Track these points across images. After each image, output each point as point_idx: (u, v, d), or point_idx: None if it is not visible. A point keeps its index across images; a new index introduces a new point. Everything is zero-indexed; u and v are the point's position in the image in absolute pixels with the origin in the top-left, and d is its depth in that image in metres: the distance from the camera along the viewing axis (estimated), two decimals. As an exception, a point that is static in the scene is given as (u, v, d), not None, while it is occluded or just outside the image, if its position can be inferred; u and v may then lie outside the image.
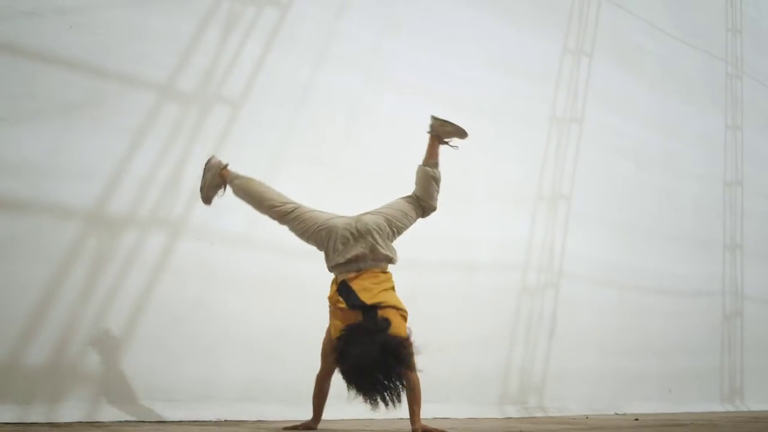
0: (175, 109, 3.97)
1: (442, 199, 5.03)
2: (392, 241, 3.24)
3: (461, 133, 3.36)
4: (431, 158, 3.37)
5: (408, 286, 4.74)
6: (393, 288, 3.14)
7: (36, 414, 3.17)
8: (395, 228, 3.25)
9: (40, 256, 3.37)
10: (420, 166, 3.39)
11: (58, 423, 3.16)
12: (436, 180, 3.34)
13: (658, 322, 6.37)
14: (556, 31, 6.16)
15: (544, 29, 6.04)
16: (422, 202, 3.36)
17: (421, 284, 4.82)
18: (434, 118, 3.38)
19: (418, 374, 2.98)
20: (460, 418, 4.58)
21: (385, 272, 3.15)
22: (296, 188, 4.30)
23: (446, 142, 3.39)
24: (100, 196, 3.62)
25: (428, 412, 4.47)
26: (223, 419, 3.65)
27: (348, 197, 4.52)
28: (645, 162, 6.62)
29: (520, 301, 5.37)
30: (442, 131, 3.35)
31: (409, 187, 4.84)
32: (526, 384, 5.24)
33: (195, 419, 3.59)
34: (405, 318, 3.04)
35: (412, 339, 2.92)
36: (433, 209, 3.40)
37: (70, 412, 3.27)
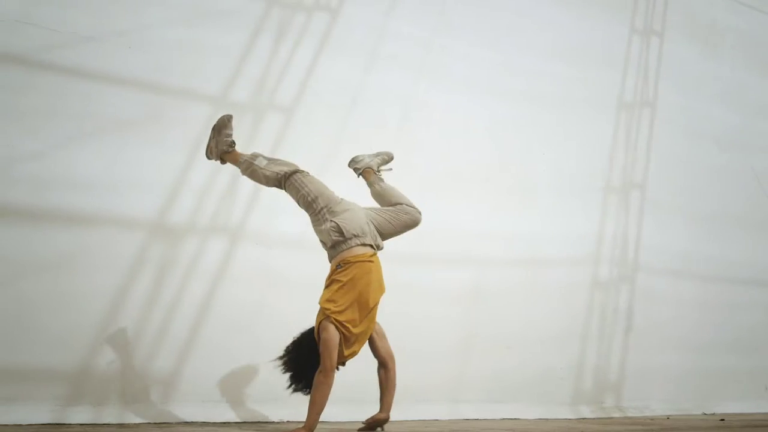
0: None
1: (506, 194, 4.96)
2: (322, 226, 3.17)
3: (219, 131, 3.32)
4: (238, 167, 3.35)
5: (473, 283, 4.69)
6: (330, 282, 3.10)
7: (108, 415, 3.35)
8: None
9: (107, 267, 3.56)
10: None
11: (127, 424, 3.32)
12: (252, 176, 3.31)
13: (750, 315, 5.92)
14: (621, 12, 5.86)
15: (608, 11, 5.77)
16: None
17: (486, 281, 4.73)
18: (207, 156, 3.44)
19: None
20: (530, 418, 4.44)
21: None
22: (350, 189, 4.34)
23: (228, 150, 3.35)
24: (161, 207, 3.78)
25: (496, 412, 4.40)
26: (285, 420, 3.71)
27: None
28: (727, 144, 6.17)
29: (592, 296, 5.14)
30: (217, 152, 3.35)
31: (463, 183, 4.79)
32: (601, 383, 5.01)
33: (259, 420, 3.67)
34: (324, 313, 3.01)
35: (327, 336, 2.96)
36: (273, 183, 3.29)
37: (139, 413, 3.43)
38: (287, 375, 3.10)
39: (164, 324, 3.65)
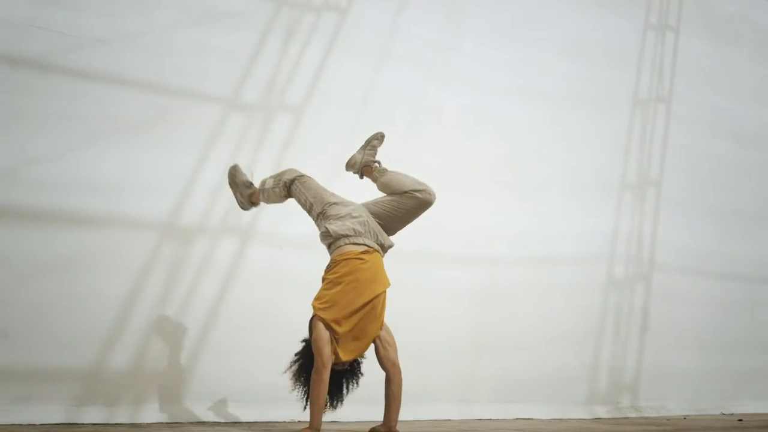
0: (240, 119, 4.10)
1: (518, 192, 4.93)
2: (319, 231, 3.17)
3: (235, 182, 3.45)
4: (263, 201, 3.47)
5: (484, 282, 4.65)
6: (321, 281, 3.09)
7: (120, 416, 3.38)
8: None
9: (118, 268, 3.59)
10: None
11: (139, 424, 3.34)
12: (270, 200, 3.40)
13: (768, 313, 5.82)
14: (634, 7, 5.79)
15: (621, 6, 5.70)
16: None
17: (497, 280, 4.70)
18: (243, 209, 3.55)
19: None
20: (543, 419, 4.40)
21: None
22: (361, 191, 4.34)
23: (251, 191, 3.46)
24: (171, 208, 3.80)
25: (508, 412, 4.37)
26: (296, 420, 3.71)
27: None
28: (746, 140, 6.07)
29: (606, 295, 5.08)
30: (245, 200, 3.47)
31: (474, 182, 4.75)
32: (616, 383, 4.94)
33: (268, 420, 3.68)
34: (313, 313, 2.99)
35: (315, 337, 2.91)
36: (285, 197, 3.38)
37: (151, 413, 3.45)
38: (297, 382, 3.03)
39: (175, 324, 3.67)
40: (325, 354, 2.85)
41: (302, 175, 3.27)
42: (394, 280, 4.29)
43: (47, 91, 3.61)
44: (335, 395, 3.03)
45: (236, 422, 3.57)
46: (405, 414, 4.00)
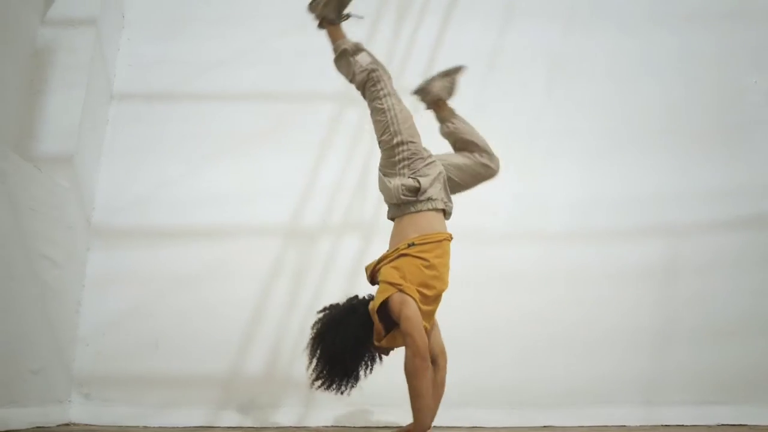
0: (354, 114, 3.97)
1: (704, 140, 3.97)
2: (393, 179, 2.59)
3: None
4: (332, 46, 2.80)
5: (668, 256, 3.84)
6: (398, 257, 2.50)
7: (254, 419, 3.45)
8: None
9: (248, 274, 3.70)
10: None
11: (269, 427, 3.37)
12: (340, 69, 2.78)
13: None
14: None
15: None
16: None
17: (686, 252, 3.84)
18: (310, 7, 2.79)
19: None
20: (763, 425, 3.40)
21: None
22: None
23: (336, 21, 2.77)
24: (294, 211, 3.83)
25: (708, 417, 3.51)
26: (435, 424, 3.41)
27: (555, 167, 3.92)
28: None
29: None
30: (325, 11, 2.77)
31: (642, 137, 3.94)
32: None
33: (401, 423, 3.43)
34: (395, 288, 2.41)
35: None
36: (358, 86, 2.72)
37: (283, 416, 3.46)
38: (324, 368, 2.57)
39: (304, 327, 3.63)
40: (425, 337, 2.37)
41: (391, 93, 2.62)
42: (548, 262, 3.78)
43: (176, 117, 3.93)
44: (351, 378, 2.58)
45: (370, 426, 3.41)
46: (565, 418, 3.46)
